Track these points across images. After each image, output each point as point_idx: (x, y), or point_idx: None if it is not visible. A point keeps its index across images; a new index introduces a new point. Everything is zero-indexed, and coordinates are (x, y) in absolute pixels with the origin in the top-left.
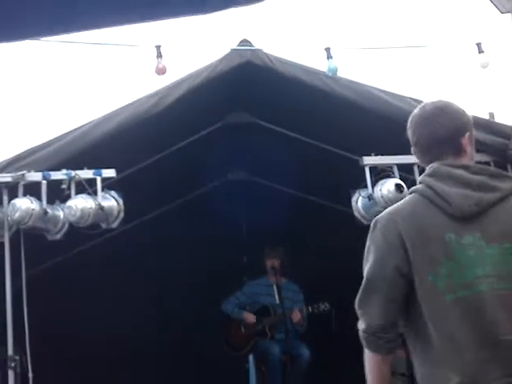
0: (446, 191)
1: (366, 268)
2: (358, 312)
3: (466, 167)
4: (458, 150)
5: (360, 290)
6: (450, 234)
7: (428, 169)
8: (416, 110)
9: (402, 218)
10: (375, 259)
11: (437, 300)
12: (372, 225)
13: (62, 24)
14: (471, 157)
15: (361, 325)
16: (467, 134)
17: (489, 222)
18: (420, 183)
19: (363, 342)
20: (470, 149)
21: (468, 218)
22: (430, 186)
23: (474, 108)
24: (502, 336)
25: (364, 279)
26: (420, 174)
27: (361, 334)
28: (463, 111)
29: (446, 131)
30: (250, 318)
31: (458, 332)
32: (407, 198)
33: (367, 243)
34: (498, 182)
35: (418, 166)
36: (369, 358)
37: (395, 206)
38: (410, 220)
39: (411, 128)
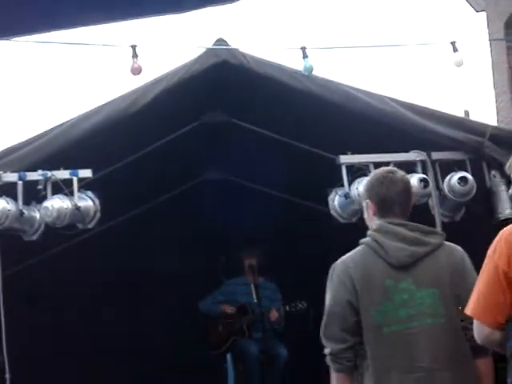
0: (387, 244)
1: (326, 304)
2: (323, 340)
3: (404, 225)
4: (404, 212)
5: (322, 323)
6: (389, 280)
7: (375, 225)
8: (378, 174)
9: (354, 264)
10: (333, 296)
11: (375, 331)
12: (331, 269)
13: (36, 24)
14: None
15: (326, 350)
16: (411, 200)
17: (420, 271)
18: (368, 236)
19: (329, 365)
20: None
21: (403, 266)
22: (375, 240)
23: (450, 106)
24: (420, 363)
25: (325, 313)
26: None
27: (327, 357)
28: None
29: (400, 197)
30: (228, 308)
31: (388, 358)
32: (357, 248)
33: (327, 284)
34: (428, 238)
35: (394, 165)
36: (335, 378)
37: (348, 255)
38: (359, 267)
39: (371, 186)
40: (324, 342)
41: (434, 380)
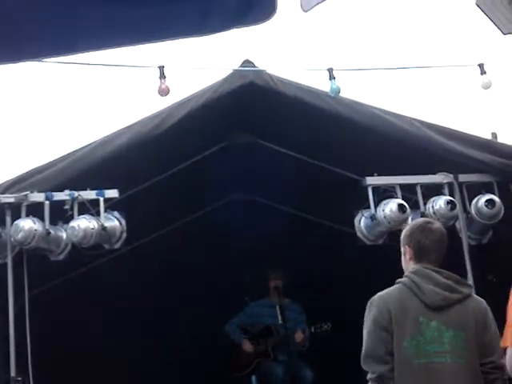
0: (424, 286)
1: (367, 332)
2: (366, 365)
3: (439, 272)
4: (438, 260)
5: (363, 350)
6: (423, 318)
7: (412, 268)
8: (418, 223)
9: (391, 299)
10: (371, 326)
11: (406, 361)
12: (369, 303)
13: (64, 45)
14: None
15: (371, 375)
16: (445, 249)
17: (450, 314)
18: (405, 277)
19: None
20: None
21: (436, 308)
22: (413, 281)
23: (477, 128)
24: None
25: (366, 340)
26: (423, 195)
27: (372, 382)
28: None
29: (437, 246)
30: (248, 347)
31: None
32: (395, 286)
33: (366, 315)
34: (460, 287)
35: (421, 187)
36: None
37: (385, 291)
38: (396, 301)
39: (411, 233)
40: (368, 366)
41: None
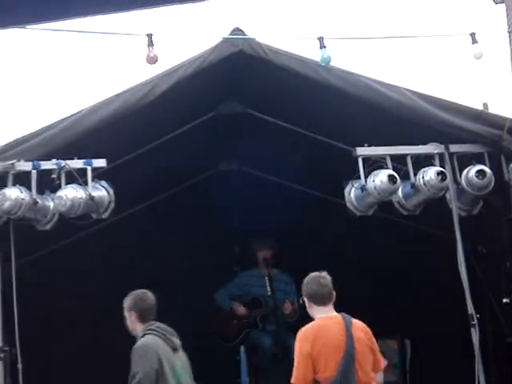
0: (168, 336)
1: (142, 371)
2: None
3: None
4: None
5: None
6: (170, 357)
7: (150, 325)
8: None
9: (155, 346)
10: (145, 366)
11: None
12: (143, 347)
13: (54, 11)
14: None
15: None
16: None
17: (179, 355)
18: (152, 330)
19: None
20: None
21: (175, 349)
22: (160, 332)
23: (468, 98)
24: None
25: (141, 376)
26: (413, 166)
27: None
28: None
29: (153, 309)
30: (240, 309)
31: None
32: (151, 337)
33: (141, 356)
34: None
35: (412, 157)
36: None
37: (148, 338)
38: (158, 348)
39: (133, 303)
40: None
41: None
